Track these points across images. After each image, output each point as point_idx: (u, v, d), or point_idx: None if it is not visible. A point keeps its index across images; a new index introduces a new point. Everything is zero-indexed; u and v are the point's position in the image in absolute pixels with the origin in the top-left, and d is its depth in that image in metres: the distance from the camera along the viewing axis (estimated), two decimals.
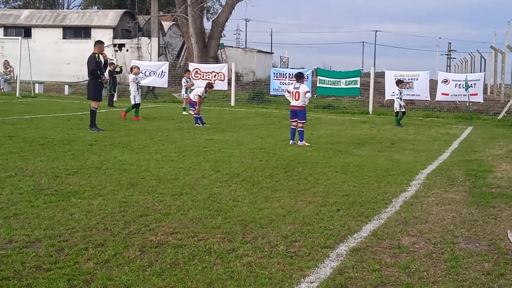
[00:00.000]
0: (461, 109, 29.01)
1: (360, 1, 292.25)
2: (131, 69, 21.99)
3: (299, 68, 38.79)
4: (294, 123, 15.01)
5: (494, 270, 5.65)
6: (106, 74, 20.30)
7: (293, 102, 14.97)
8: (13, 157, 11.39)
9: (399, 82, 21.84)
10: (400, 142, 16.15)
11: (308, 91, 15.05)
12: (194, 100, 19.60)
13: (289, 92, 15.16)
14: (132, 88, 20.79)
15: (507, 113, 26.44)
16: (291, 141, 14.91)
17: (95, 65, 16.55)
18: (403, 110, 21.70)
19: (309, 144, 14.61)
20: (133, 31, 50.22)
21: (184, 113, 23.77)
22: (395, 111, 21.64)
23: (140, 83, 21.72)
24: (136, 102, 20.73)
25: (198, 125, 19.00)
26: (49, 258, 5.61)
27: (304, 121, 15.07)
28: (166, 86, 32.52)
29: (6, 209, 7.38)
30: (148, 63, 35.65)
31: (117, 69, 30.31)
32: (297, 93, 14.81)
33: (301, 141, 14.75)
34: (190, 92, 24.49)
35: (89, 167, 10.55)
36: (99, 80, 16.88)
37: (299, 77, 15.55)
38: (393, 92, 22.00)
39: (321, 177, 10.27)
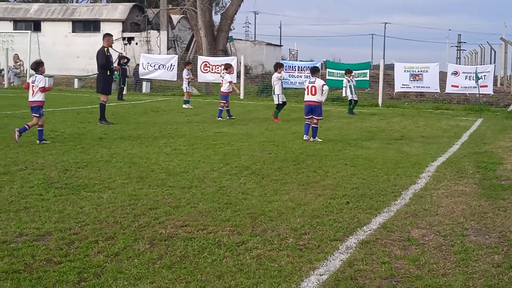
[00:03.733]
0: (471, 101, 28.85)
1: None
2: (276, 68, 19.89)
3: (308, 61, 38.74)
4: (309, 120, 14.26)
5: (504, 262, 5.63)
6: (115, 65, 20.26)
7: (309, 97, 14.23)
8: (24, 150, 11.44)
9: (347, 72, 23.15)
10: (410, 134, 16.10)
11: (325, 84, 14.34)
12: (227, 92, 19.67)
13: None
14: (277, 87, 19.35)
15: None
16: (305, 136, 14.20)
17: (105, 59, 16.57)
18: (355, 98, 22.91)
19: (321, 140, 14.14)
20: (142, 24, 50.23)
21: (184, 106, 23.80)
22: (349, 99, 22.79)
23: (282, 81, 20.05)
24: (280, 102, 19.39)
25: (221, 119, 19.11)
26: (59, 251, 5.64)
27: (321, 117, 14.36)
28: (175, 79, 32.53)
29: (16, 203, 7.42)
30: (157, 56, 35.73)
31: (125, 60, 30.34)
32: (313, 88, 14.12)
33: (314, 137, 14.12)
34: (190, 86, 24.61)
35: (99, 161, 10.59)
36: (111, 70, 16.91)
37: (315, 71, 14.78)
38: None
39: (331, 170, 10.26)
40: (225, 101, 19.61)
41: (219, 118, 19.14)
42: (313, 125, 14.26)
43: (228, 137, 14.31)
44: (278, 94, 19.33)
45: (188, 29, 51.70)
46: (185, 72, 25.11)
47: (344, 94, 23.22)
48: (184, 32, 54.46)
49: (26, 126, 12.75)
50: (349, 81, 22.67)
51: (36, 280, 4.94)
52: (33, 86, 13.04)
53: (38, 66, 13.16)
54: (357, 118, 21.00)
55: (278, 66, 19.80)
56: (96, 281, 4.95)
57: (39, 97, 13.00)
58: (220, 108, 19.56)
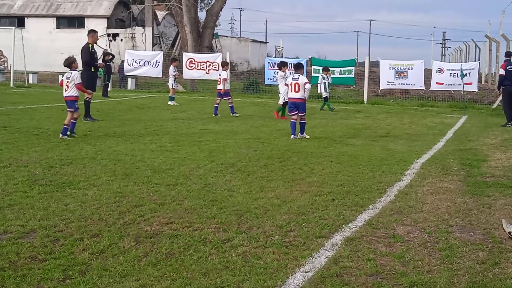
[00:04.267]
0: (455, 98, 29.02)
1: None
2: (280, 67, 19.67)
3: (293, 58, 38.71)
4: (295, 117, 14.10)
5: (489, 259, 5.67)
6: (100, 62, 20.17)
7: (293, 94, 14.16)
8: (8, 147, 11.37)
9: (325, 69, 23.98)
10: (395, 131, 16.16)
11: (307, 82, 14.28)
12: (226, 89, 19.78)
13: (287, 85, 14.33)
14: (281, 85, 18.97)
15: (501, 103, 26.42)
16: (292, 136, 14.00)
17: (89, 56, 16.49)
18: (327, 96, 23.53)
19: (308, 137, 14.10)
20: (127, 20, 50.09)
21: (169, 103, 23.75)
22: (323, 96, 23.44)
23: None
24: (286, 101, 18.33)
25: (236, 114, 19.37)
26: (44, 249, 5.61)
27: (304, 113, 14.25)
28: (160, 76, 32.42)
29: (0, 200, 7.37)
30: (142, 53, 35.55)
31: (110, 57, 30.22)
32: (296, 85, 14.04)
33: (302, 133, 14.10)
34: (176, 83, 24.58)
35: (84, 158, 10.54)
36: (95, 67, 16.82)
37: (298, 67, 14.85)
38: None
39: (316, 167, 10.27)
40: (229, 97, 19.80)
41: (235, 114, 19.43)
42: (301, 121, 14.17)
43: (213, 134, 14.29)
44: (281, 93, 18.97)
45: (174, 26, 51.65)
46: (171, 68, 25.07)
47: (319, 91, 23.61)
48: (169, 29, 54.38)
49: (65, 126, 13.10)
50: (324, 78, 23.15)
51: (21, 278, 4.91)
52: (67, 81, 13.40)
53: (70, 63, 13.61)
54: (342, 115, 21.03)
55: (282, 65, 19.58)
56: (81, 279, 4.93)
57: (74, 92, 13.41)
58: (230, 105, 19.76)
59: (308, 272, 5.24)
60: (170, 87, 24.75)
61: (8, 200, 7.36)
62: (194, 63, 31.22)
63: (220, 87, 19.83)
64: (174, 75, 24.82)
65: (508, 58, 18.80)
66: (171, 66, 25.26)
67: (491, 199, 8.15)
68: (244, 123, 17.35)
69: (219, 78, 20.12)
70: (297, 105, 14.14)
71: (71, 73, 13.42)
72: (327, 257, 5.63)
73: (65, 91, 13.42)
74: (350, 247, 5.94)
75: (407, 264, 5.52)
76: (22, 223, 6.39)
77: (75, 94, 13.41)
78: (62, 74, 37.77)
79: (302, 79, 14.25)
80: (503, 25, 38.04)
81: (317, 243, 6.04)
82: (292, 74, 14.87)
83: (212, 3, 53.46)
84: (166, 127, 15.65)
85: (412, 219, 7.07)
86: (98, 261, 5.35)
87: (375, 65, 36.93)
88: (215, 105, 19.61)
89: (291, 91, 14.24)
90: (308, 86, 14.19)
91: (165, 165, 10.07)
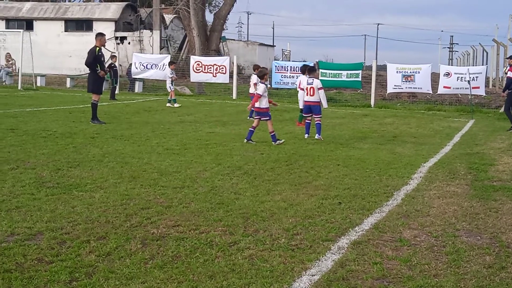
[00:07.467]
0: (463, 102, 28.94)
1: None
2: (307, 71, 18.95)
3: (301, 61, 38.70)
4: (309, 118, 14.75)
5: (496, 263, 5.65)
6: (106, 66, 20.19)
7: (308, 98, 14.64)
8: (15, 149, 11.40)
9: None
10: (402, 135, 16.13)
11: (321, 88, 14.65)
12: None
13: (302, 89, 14.57)
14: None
15: None
16: (306, 135, 14.59)
17: (92, 59, 16.44)
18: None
19: (322, 139, 14.26)
20: (135, 24, 50.20)
21: (167, 104, 23.85)
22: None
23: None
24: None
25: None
26: (51, 251, 5.62)
27: (320, 115, 14.66)
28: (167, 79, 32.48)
29: (8, 202, 7.39)
30: (150, 56, 35.66)
31: (115, 60, 30.28)
32: (311, 89, 14.48)
33: (318, 134, 14.40)
34: (173, 85, 24.59)
35: (91, 160, 10.56)
36: (102, 69, 16.84)
37: (311, 71, 15.19)
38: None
39: (323, 170, 10.27)
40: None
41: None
42: (316, 123, 14.53)
43: (220, 137, 14.30)
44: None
45: (181, 29, 51.76)
46: (168, 71, 25.28)
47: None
48: (177, 32, 54.46)
49: (272, 134, 13.56)
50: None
51: (28, 280, 4.93)
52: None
53: (263, 75, 14.23)
54: (349, 118, 20.99)
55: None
56: (88, 281, 4.94)
57: (264, 104, 13.78)
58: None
59: (314, 275, 5.24)
60: (169, 90, 24.83)
61: (16, 202, 7.38)
62: (201, 66, 31.29)
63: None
64: (171, 78, 24.92)
65: None
66: (168, 68, 25.47)
67: (498, 203, 8.13)
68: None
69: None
70: (312, 108, 14.60)
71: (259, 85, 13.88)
72: (333, 260, 5.63)
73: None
74: (357, 250, 5.93)
75: (413, 268, 5.51)
76: (29, 225, 6.40)
77: (265, 106, 13.74)
78: (70, 77, 38.06)
79: (317, 83, 14.63)
80: (510, 29, 37.94)
81: (324, 246, 6.04)
82: (306, 79, 14.93)
83: (219, 6, 53.63)
84: (173, 130, 15.67)
85: (419, 223, 7.06)
86: (105, 263, 5.36)
87: (382, 68, 36.85)
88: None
89: (307, 95, 14.63)
90: (321, 92, 14.56)
91: (172, 168, 10.09)
